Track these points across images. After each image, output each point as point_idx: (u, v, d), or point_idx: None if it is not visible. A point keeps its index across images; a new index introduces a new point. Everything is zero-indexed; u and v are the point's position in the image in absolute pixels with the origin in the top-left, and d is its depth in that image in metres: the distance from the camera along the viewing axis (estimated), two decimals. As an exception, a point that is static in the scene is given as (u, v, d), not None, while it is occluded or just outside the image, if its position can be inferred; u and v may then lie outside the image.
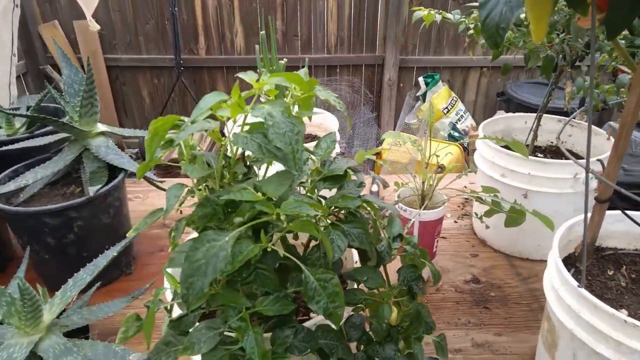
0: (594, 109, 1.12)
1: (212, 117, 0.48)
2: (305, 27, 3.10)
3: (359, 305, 0.57)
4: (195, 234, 0.50)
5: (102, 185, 0.89)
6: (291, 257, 0.44)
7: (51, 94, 0.98)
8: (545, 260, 1.01)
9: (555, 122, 1.11)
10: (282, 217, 0.43)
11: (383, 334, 0.58)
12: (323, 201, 0.51)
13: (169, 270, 0.51)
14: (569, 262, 0.73)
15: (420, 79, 3.07)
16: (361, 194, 0.51)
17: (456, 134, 2.91)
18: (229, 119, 0.46)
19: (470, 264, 1.01)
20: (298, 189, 0.52)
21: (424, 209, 0.86)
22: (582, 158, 1.04)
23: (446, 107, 2.89)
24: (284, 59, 1.07)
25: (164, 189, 1.09)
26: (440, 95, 2.94)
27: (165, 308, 0.51)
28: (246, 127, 0.46)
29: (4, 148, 0.98)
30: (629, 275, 0.70)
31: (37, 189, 0.93)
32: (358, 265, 0.60)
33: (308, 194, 0.50)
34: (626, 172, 1.10)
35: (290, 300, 0.46)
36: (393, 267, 0.58)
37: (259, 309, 0.44)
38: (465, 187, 1.26)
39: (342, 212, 0.50)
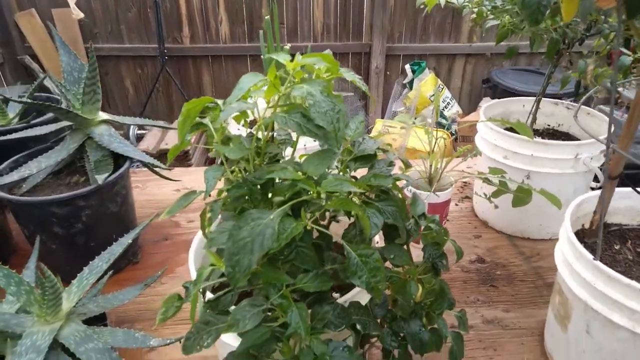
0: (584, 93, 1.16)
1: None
2: (291, 15, 3.08)
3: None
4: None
5: (109, 173, 0.87)
6: (333, 234, 0.45)
7: (38, 83, 0.96)
8: (547, 239, 1.04)
9: (552, 105, 1.14)
10: (322, 195, 0.44)
11: (409, 310, 0.59)
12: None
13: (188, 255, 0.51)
14: (578, 238, 0.75)
15: (407, 66, 3.09)
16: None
17: (443, 121, 2.94)
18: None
19: (474, 244, 1.04)
20: (329, 170, 0.53)
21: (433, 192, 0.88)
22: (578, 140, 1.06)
23: (432, 94, 2.92)
24: (287, 45, 1.07)
25: (168, 178, 1.08)
26: (427, 82, 2.96)
27: (199, 291, 0.51)
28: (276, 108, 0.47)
29: (2, 138, 0.95)
30: (635, 250, 0.73)
31: (40, 178, 0.91)
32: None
33: (341, 173, 0.51)
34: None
35: (327, 277, 0.47)
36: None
37: (299, 286, 0.45)
38: (463, 170, 1.28)
39: (373, 191, 0.51)
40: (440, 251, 0.59)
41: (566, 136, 1.13)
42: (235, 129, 1.01)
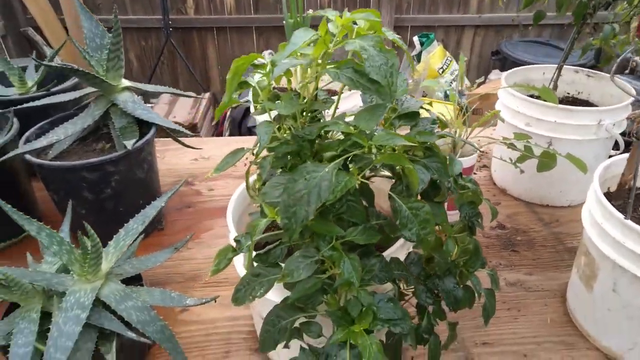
0: (606, 60, 1.15)
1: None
2: (298, -14, 3.02)
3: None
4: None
5: (136, 139, 0.88)
6: (383, 188, 0.46)
7: (57, 50, 0.95)
8: (566, 207, 1.06)
9: (573, 73, 1.14)
10: (373, 150, 0.44)
11: (444, 268, 0.61)
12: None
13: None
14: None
15: (415, 38, 3.05)
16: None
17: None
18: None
19: (493, 211, 1.05)
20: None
21: (458, 157, 0.89)
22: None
23: (441, 67, 2.90)
24: (309, 11, 1.06)
25: (190, 146, 1.09)
26: (435, 54, 2.93)
27: (244, 247, 0.52)
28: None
29: (26, 105, 0.95)
30: (660, 211, 0.75)
31: (66, 145, 0.92)
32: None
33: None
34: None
35: (375, 231, 0.48)
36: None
37: (350, 238, 0.46)
38: (487, 137, 1.29)
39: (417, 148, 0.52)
40: (476, 210, 0.60)
41: (586, 104, 1.13)
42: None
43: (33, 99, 0.99)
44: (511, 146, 0.86)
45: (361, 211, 0.47)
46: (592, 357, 0.72)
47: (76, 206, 0.87)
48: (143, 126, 0.94)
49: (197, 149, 1.12)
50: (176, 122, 2.70)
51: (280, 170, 0.50)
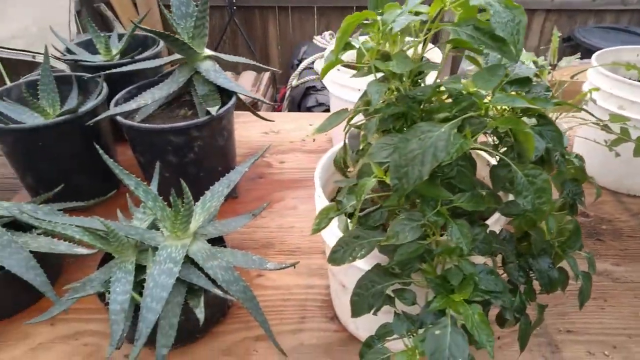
0: None
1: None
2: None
3: (518, 216, 0.57)
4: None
5: (219, 106, 0.90)
6: (498, 153, 0.44)
7: (140, 19, 0.98)
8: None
9: (672, 55, 1.05)
10: (490, 113, 0.43)
11: (540, 247, 0.58)
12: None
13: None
14: None
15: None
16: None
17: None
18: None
19: (575, 198, 1.00)
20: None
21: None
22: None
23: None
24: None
25: (264, 118, 1.10)
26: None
27: (346, 207, 0.51)
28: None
29: (114, 70, 0.99)
30: None
31: (152, 110, 0.95)
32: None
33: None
34: None
35: (482, 199, 0.47)
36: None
37: (458, 204, 0.45)
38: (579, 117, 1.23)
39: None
40: (580, 188, 0.57)
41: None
42: (335, 69, 1.00)
43: (119, 65, 1.03)
44: (605, 128, 0.81)
45: (470, 177, 0.45)
46: (689, 355, 0.67)
47: (161, 169, 0.90)
48: (223, 95, 0.96)
49: (271, 121, 1.13)
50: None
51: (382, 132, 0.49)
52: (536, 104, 0.47)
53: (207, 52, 0.98)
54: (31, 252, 0.73)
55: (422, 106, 0.47)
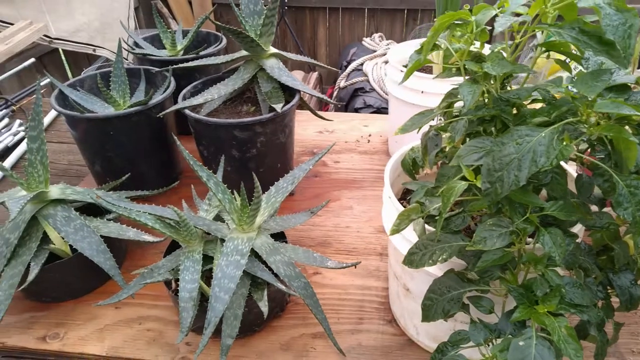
0: None
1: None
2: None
3: (601, 229, 0.55)
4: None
5: (283, 104, 0.90)
6: (599, 162, 0.42)
7: (205, 18, 0.99)
8: None
9: None
10: (592, 119, 0.41)
11: (622, 262, 0.55)
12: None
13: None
14: None
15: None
16: None
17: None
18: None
19: None
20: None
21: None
22: None
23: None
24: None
25: (323, 118, 1.10)
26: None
27: (429, 209, 0.51)
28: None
29: (182, 65, 1.01)
30: None
31: (216, 105, 0.97)
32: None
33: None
34: None
35: (574, 209, 0.45)
36: None
37: (550, 212, 0.43)
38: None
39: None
40: (672, 203, 0.54)
41: None
42: (398, 70, 1.00)
43: (185, 60, 1.05)
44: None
45: (564, 185, 0.44)
46: None
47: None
48: (285, 93, 0.97)
49: (330, 120, 1.13)
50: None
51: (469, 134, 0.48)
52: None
53: (272, 49, 0.99)
54: (101, 236, 0.76)
55: (515, 110, 0.45)
